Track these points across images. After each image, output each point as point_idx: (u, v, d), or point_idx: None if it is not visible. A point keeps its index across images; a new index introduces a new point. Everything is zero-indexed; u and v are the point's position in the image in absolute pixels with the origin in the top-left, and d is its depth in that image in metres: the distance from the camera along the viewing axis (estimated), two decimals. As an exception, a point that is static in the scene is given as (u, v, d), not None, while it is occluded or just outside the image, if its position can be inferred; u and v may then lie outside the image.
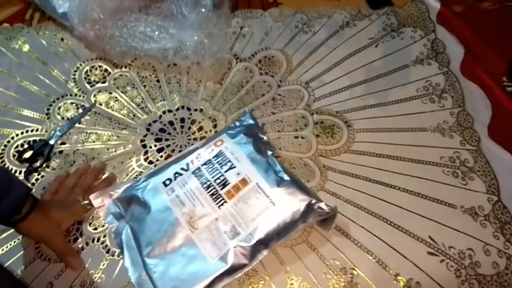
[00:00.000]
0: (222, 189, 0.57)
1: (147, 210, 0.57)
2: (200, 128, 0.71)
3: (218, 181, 0.57)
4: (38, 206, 0.54)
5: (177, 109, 0.73)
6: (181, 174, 0.59)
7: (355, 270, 0.56)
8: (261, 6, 0.84)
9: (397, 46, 0.77)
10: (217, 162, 0.59)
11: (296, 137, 0.68)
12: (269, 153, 0.61)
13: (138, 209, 0.58)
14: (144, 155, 0.68)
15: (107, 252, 0.60)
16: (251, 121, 0.65)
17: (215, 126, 0.71)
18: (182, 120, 0.72)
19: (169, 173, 0.60)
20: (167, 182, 0.58)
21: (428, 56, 0.75)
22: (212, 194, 0.56)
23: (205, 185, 0.57)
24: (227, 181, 0.57)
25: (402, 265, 0.56)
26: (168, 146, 0.69)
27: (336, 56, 0.75)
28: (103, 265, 0.59)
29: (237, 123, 0.65)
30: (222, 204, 0.55)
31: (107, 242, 0.60)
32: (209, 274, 0.52)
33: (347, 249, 0.58)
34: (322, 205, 0.55)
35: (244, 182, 0.57)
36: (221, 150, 0.60)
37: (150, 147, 0.69)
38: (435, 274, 0.56)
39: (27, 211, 0.53)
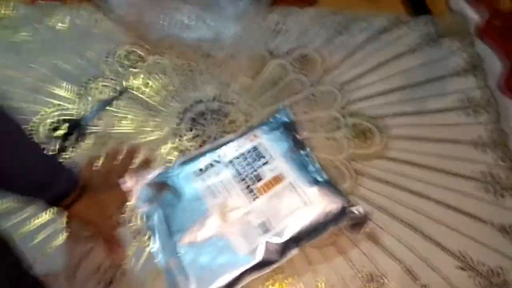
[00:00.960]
0: (255, 183, 0.56)
1: (178, 198, 0.56)
2: (232, 121, 0.70)
3: (252, 175, 0.57)
4: (86, 191, 0.55)
5: (210, 101, 0.73)
6: (214, 165, 0.59)
7: (382, 278, 0.56)
8: (299, 4, 0.83)
9: (434, 56, 0.76)
10: (252, 157, 0.59)
11: (328, 139, 0.68)
12: (304, 152, 0.60)
13: (170, 195, 0.57)
14: (175, 143, 0.68)
15: (135, 237, 0.59)
16: (287, 119, 0.64)
17: (246, 120, 0.70)
18: (214, 111, 0.72)
19: (202, 162, 0.59)
20: (200, 171, 0.58)
21: (466, 68, 0.74)
22: (245, 188, 0.56)
23: (238, 178, 0.57)
24: (261, 176, 0.57)
25: (431, 277, 0.56)
26: (199, 136, 0.69)
27: (373, 60, 0.75)
28: (131, 249, 0.58)
29: (272, 119, 0.64)
30: (254, 199, 0.55)
31: (136, 227, 0.60)
32: (237, 267, 0.51)
33: (376, 256, 0.57)
34: (356, 209, 0.54)
35: (278, 178, 0.56)
36: (256, 145, 0.60)
37: (182, 136, 0.69)
38: (463, 289, 0.55)
39: (76, 196, 0.53)
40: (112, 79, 0.74)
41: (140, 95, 0.73)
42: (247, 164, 0.58)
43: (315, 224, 0.54)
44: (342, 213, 0.54)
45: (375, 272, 0.56)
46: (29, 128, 0.68)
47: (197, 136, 0.69)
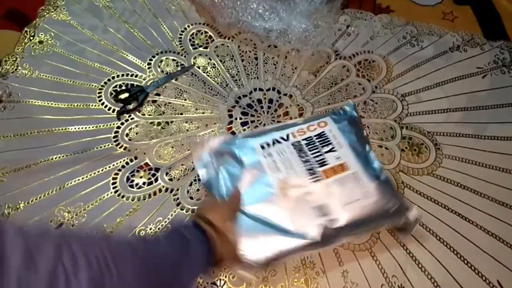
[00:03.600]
0: (319, 167, 0.57)
1: (241, 166, 0.58)
2: (286, 113, 0.72)
3: (316, 159, 0.58)
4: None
5: (268, 90, 0.74)
6: (280, 142, 0.60)
7: (412, 292, 0.55)
8: (372, 10, 0.83)
9: (505, 83, 0.73)
10: (319, 142, 0.60)
11: (380, 146, 0.67)
12: (368, 148, 0.61)
13: (231, 163, 0.58)
14: (228, 124, 0.70)
15: (177, 204, 0.62)
16: (355, 114, 0.64)
17: (301, 114, 0.71)
18: (271, 101, 0.73)
19: (267, 138, 0.60)
20: (265, 145, 0.59)
21: (537, 100, 0.71)
22: (308, 169, 0.57)
23: (303, 159, 0.58)
24: (325, 161, 0.58)
25: (463, 302, 0.54)
26: (252, 122, 0.71)
27: (440, 76, 0.73)
28: (171, 215, 0.61)
29: (341, 111, 0.64)
30: (316, 181, 0.56)
31: (179, 195, 0.63)
32: (287, 241, 0.52)
33: (409, 269, 0.56)
34: (411, 214, 0.54)
35: (343, 167, 0.57)
36: (324, 131, 0.61)
37: (236, 119, 0.71)
38: (495, 321, 0.53)
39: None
40: (181, 54, 0.77)
41: (204, 74, 0.75)
42: (314, 148, 0.59)
43: (370, 218, 0.54)
44: (399, 213, 0.55)
45: (406, 285, 0.55)
46: (99, 87, 0.73)
47: (251, 122, 0.71)
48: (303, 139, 0.60)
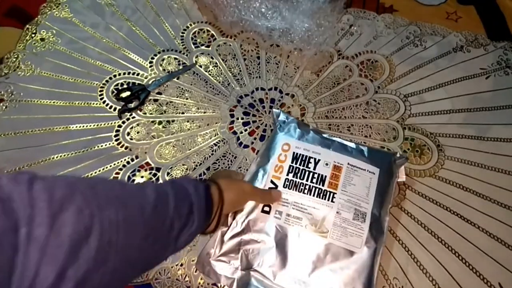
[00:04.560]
0: (323, 185, 0.56)
1: (270, 245, 0.53)
2: (288, 113, 0.71)
3: (314, 180, 0.57)
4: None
5: (270, 89, 0.74)
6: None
7: (413, 294, 0.55)
8: (376, 9, 0.82)
9: (508, 84, 0.72)
10: (300, 164, 0.58)
11: (382, 147, 0.67)
12: (327, 135, 0.62)
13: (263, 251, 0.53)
14: (230, 124, 0.70)
15: None
16: (284, 117, 0.64)
17: (303, 114, 0.71)
18: (272, 100, 0.73)
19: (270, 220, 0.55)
20: (266, 208, 0.55)
21: (541, 102, 0.70)
22: (318, 194, 0.55)
23: (306, 191, 0.56)
24: (321, 175, 0.57)
25: (464, 305, 0.54)
26: (254, 122, 0.71)
27: (443, 77, 0.73)
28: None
29: (281, 123, 0.64)
30: (333, 197, 0.55)
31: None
32: (364, 262, 0.52)
33: (410, 271, 0.56)
34: (399, 154, 0.61)
35: (337, 168, 0.57)
36: (294, 152, 0.59)
37: (237, 118, 0.71)
38: (496, 324, 0.53)
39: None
40: (182, 53, 0.77)
41: (206, 73, 0.75)
42: (303, 173, 0.57)
43: (385, 187, 0.57)
44: (395, 163, 0.60)
45: (406, 286, 0.55)
46: (100, 85, 0.73)
47: (253, 122, 0.70)
48: (287, 175, 0.57)
